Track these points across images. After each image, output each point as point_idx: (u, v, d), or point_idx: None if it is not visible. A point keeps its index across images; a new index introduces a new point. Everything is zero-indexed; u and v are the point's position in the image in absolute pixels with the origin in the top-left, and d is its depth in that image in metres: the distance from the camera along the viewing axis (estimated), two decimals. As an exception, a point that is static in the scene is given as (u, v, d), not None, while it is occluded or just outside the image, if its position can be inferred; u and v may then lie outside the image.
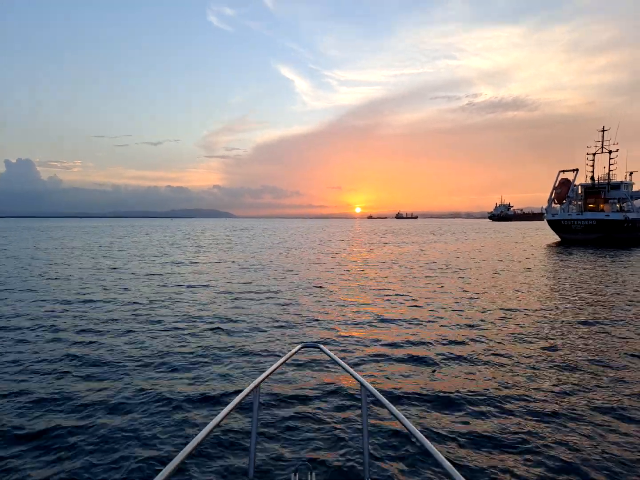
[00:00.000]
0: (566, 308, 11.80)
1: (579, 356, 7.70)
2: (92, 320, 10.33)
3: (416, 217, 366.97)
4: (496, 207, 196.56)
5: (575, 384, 6.50)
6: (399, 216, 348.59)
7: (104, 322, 10.16)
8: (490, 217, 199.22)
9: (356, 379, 2.40)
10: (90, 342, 8.58)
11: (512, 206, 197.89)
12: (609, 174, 46.52)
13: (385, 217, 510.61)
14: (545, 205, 48.40)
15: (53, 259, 25.05)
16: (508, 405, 5.78)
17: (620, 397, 6.02)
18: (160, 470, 1.41)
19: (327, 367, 7.15)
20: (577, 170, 46.45)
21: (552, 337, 8.88)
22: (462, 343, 8.56)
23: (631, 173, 47.23)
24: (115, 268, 20.74)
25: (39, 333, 9.15)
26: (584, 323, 10.09)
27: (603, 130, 46.72)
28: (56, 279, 16.98)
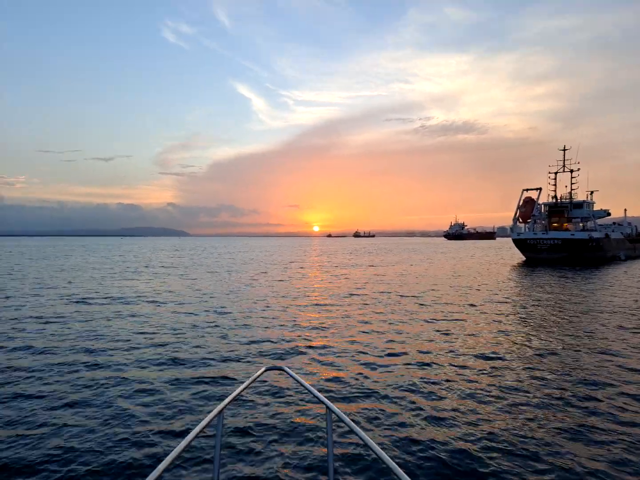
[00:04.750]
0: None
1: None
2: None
3: (373, 236, 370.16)
4: (451, 225, 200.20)
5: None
6: (356, 235, 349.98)
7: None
8: (445, 236, 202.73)
9: (321, 401, 2.33)
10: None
11: (467, 225, 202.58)
12: (571, 192, 46.54)
13: (344, 236, 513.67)
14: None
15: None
16: (474, 431, 5.61)
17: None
18: None
19: (292, 389, 6.99)
20: (540, 189, 46.10)
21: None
22: (432, 367, 8.40)
23: (592, 192, 47.52)
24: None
25: None
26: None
27: (564, 150, 46.88)
28: None
